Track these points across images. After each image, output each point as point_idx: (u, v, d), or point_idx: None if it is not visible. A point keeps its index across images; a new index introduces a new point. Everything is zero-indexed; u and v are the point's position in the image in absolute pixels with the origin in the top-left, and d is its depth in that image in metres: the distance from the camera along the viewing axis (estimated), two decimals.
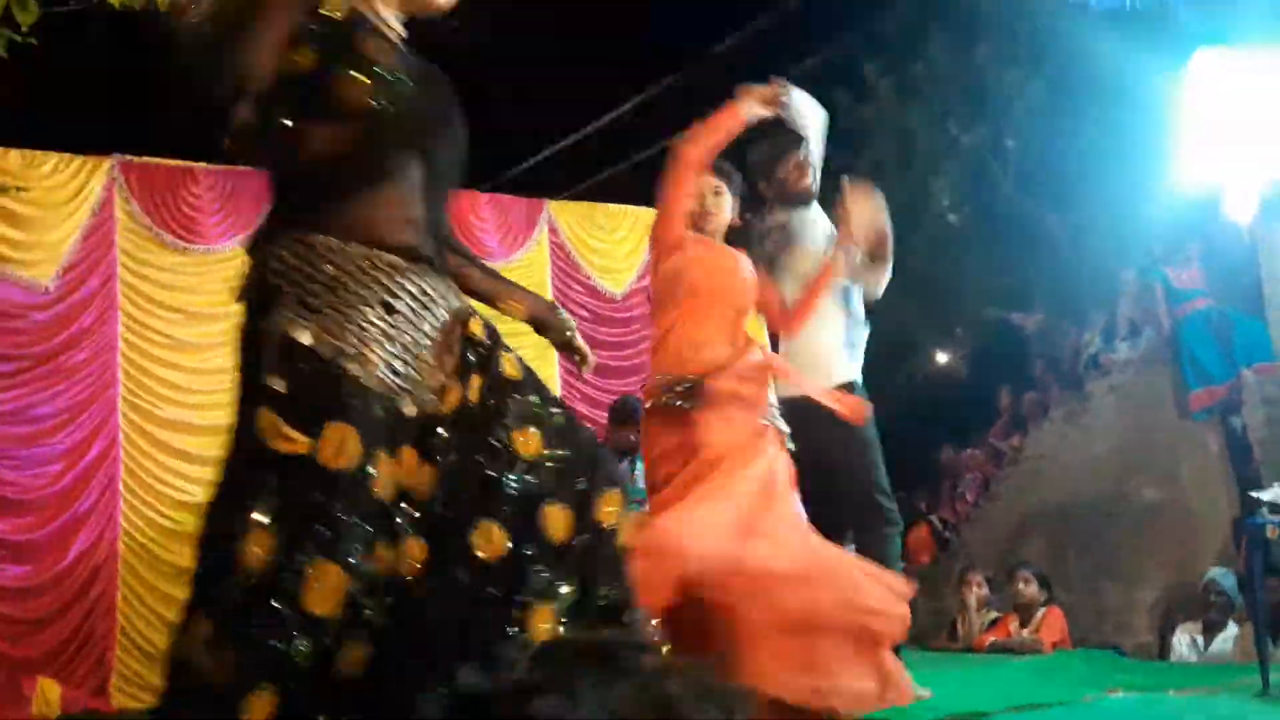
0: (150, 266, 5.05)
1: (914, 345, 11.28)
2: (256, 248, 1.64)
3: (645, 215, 6.60)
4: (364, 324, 1.59)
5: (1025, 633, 5.07)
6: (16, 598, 4.62)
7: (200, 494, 4.88)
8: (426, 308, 1.66)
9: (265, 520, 1.51)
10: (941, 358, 12.06)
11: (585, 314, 5.89)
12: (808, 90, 3.32)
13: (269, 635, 1.47)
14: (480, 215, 5.86)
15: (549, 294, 5.62)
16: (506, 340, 1.80)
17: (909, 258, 10.30)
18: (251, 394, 1.58)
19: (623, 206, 6.48)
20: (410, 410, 1.63)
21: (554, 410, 1.76)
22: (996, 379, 9.46)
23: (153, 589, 4.80)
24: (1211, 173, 5.02)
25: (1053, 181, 8.80)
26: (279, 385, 1.56)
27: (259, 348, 1.58)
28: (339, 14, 1.63)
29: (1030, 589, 5.23)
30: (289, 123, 1.60)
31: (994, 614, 5.41)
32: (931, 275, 10.11)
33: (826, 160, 3.61)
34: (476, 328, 1.75)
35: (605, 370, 5.58)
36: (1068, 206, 8.91)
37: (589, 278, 6.18)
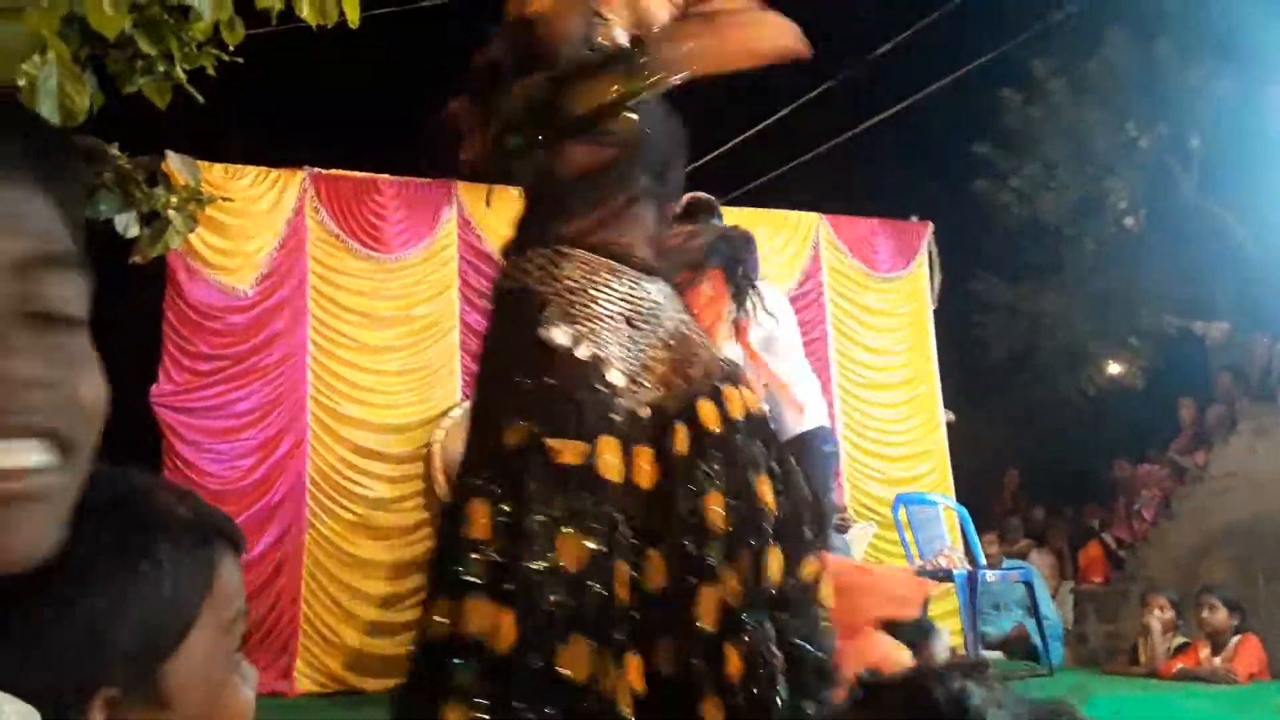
0: (337, 273, 5.32)
1: (1085, 355, 10.78)
2: (512, 258, 1.77)
3: (806, 219, 6.54)
4: (610, 334, 1.71)
5: (1218, 661, 4.77)
6: None
7: (378, 489, 5.13)
8: (658, 319, 1.78)
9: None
10: (1115, 369, 11.49)
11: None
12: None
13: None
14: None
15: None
16: None
17: (1081, 264, 9.90)
18: (507, 396, 1.68)
19: (784, 212, 6.41)
20: (644, 413, 1.74)
21: (782, 458, 1.83)
22: (1176, 391, 8.94)
23: (334, 579, 5.04)
24: None
25: (1240, 182, 8.27)
26: (538, 389, 1.65)
27: (517, 352, 1.69)
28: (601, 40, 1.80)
29: (1219, 615, 4.92)
30: (553, 144, 1.75)
31: (1181, 639, 5.10)
32: (1105, 282, 9.65)
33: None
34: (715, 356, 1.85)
35: None
36: (1256, 208, 8.35)
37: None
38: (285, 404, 5.11)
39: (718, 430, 1.76)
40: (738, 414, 1.79)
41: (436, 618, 1.60)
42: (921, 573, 5.25)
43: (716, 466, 1.73)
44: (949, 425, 6.75)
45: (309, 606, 4.99)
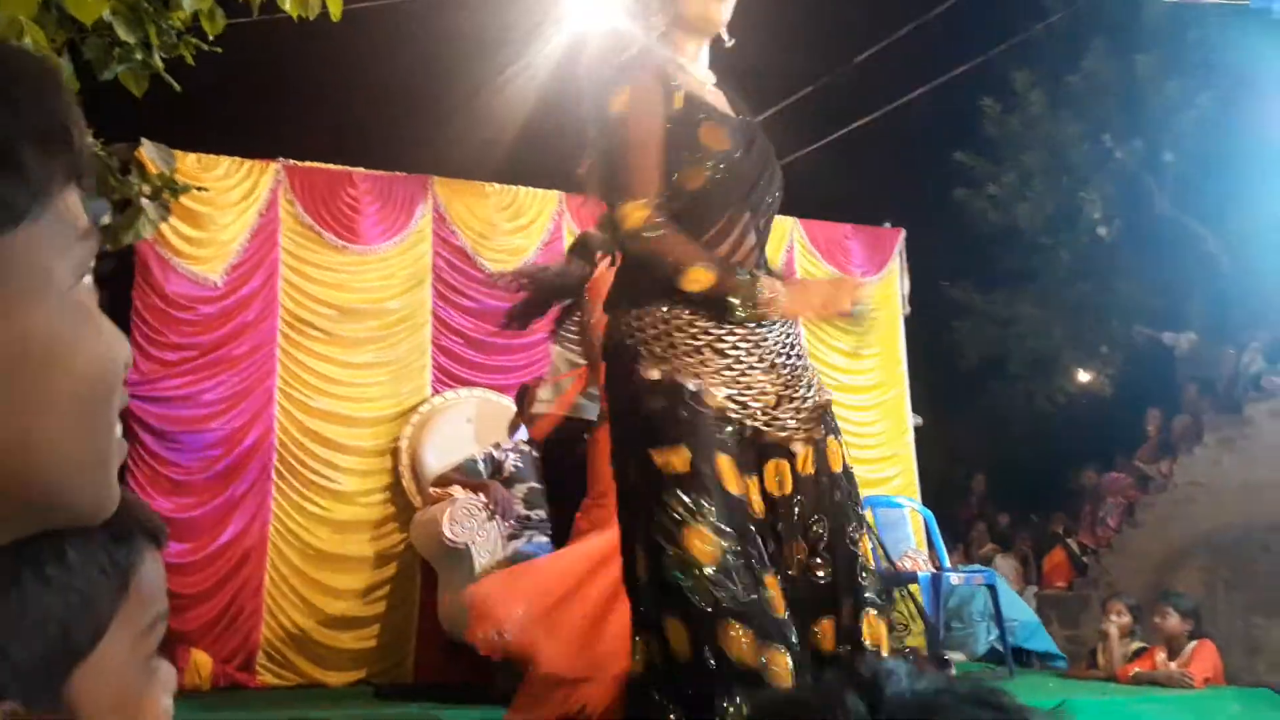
0: (309, 264, 5.28)
1: (1056, 363, 10.90)
2: (614, 315, 1.98)
3: (780, 223, 6.55)
4: (701, 363, 1.87)
5: (1174, 665, 4.84)
6: (176, 573, 4.88)
7: (345, 482, 5.11)
8: (755, 342, 1.92)
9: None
10: (1085, 377, 11.63)
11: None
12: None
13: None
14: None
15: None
16: None
17: (1054, 273, 10.01)
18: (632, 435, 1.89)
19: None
20: (757, 429, 1.89)
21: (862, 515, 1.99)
22: (1144, 400, 9.06)
23: (298, 571, 5.01)
24: None
25: (1213, 196, 8.39)
26: (643, 415, 1.85)
27: (629, 393, 1.90)
28: (680, 106, 1.93)
29: (1173, 621, 4.99)
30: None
31: (1139, 644, 5.17)
32: (1076, 291, 9.76)
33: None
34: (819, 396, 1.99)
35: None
36: (1228, 223, 8.47)
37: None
38: (253, 395, 5.06)
39: (811, 474, 1.91)
40: (836, 466, 1.94)
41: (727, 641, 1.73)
42: (886, 575, 5.29)
43: (800, 514, 1.89)
44: (917, 429, 6.80)
45: (271, 599, 4.95)
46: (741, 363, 1.88)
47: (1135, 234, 9.20)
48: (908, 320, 6.82)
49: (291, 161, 5.36)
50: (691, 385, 1.82)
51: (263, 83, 6.44)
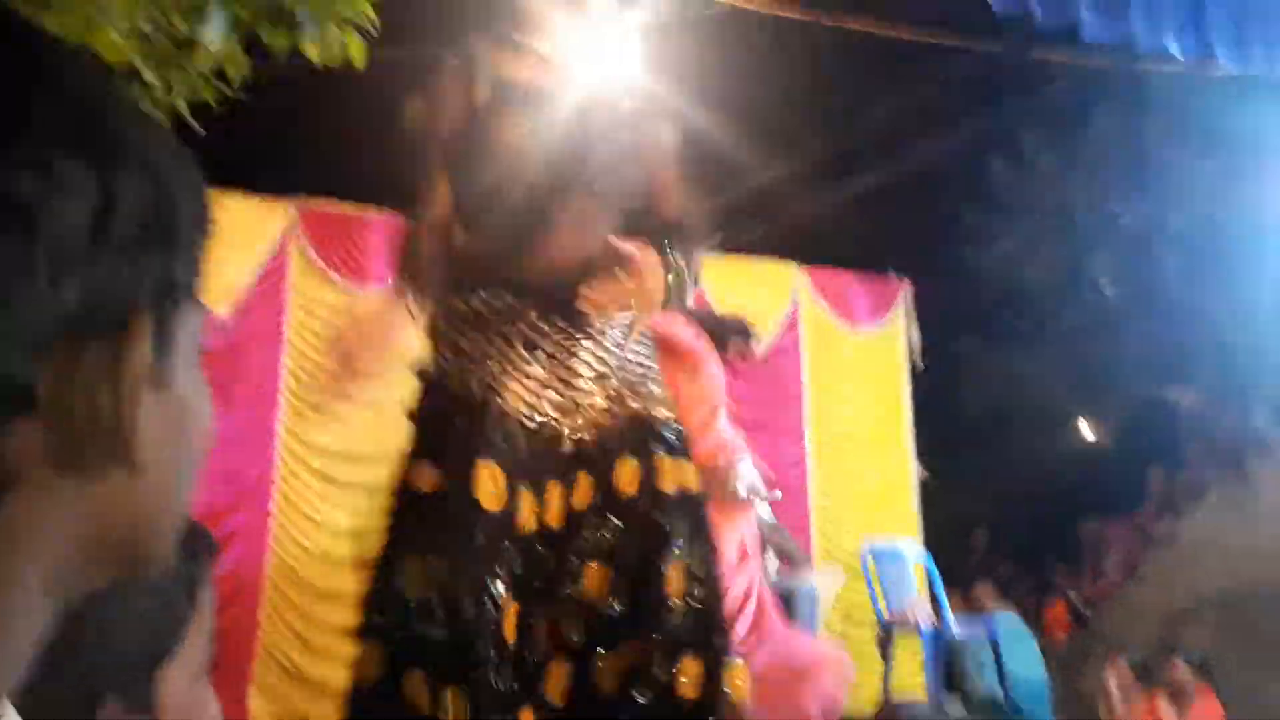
0: (319, 304, 5.31)
1: (1060, 418, 10.92)
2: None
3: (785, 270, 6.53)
4: (503, 363, 1.74)
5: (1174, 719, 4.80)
6: None
7: (345, 519, 5.09)
8: (580, 351, 1.79)
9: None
10: (1089, 432, 11.62)
11: None
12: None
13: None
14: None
15: None
16: None
17: (1060, 330, 10.04)
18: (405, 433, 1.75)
19: (764, 261, 6.42)
20: (565, 448, 1.73)
21: (705, 548, 1.76)
22: (1147, 456, 9.03)
23: (294, 607, 4.98)
24: None
25: (1220, 259, 8.45)
26: (415, 417, 1.75)
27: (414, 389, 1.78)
28: (485, 97, 1.86)
29: (1181, 675, 4.95)
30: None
31: (1138, 698, 5.13)
32: (1083, 349, 9.79)
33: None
34: (658, 412, 1.81)
35: None
36: (1235, 285, 8.53)
37: None
38: (256, 431, 5.07)
39: (632, 495, 1.71)
40: (667, 487, 1.73)
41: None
42: (888, 625, 5.26)
43: (607, 535, 1.69)
44: (921, 482, 6.79)
45: (266, 634, 4.93)
46: (551, 364, 1.76)
47: (1142, 294, 9.25)
48: (914, 373, 6.82)
49: (305, 201, 5.41)
50: (475, 387, 1.72)
51: (280, 121, 6.50)
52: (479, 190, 1.80)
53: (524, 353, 1.74)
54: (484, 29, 1.90)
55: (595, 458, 1.74)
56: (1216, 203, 8.18)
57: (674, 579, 1.67)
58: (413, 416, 1.80)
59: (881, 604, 5.42)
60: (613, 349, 1.81)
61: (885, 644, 5.21)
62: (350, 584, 5.34)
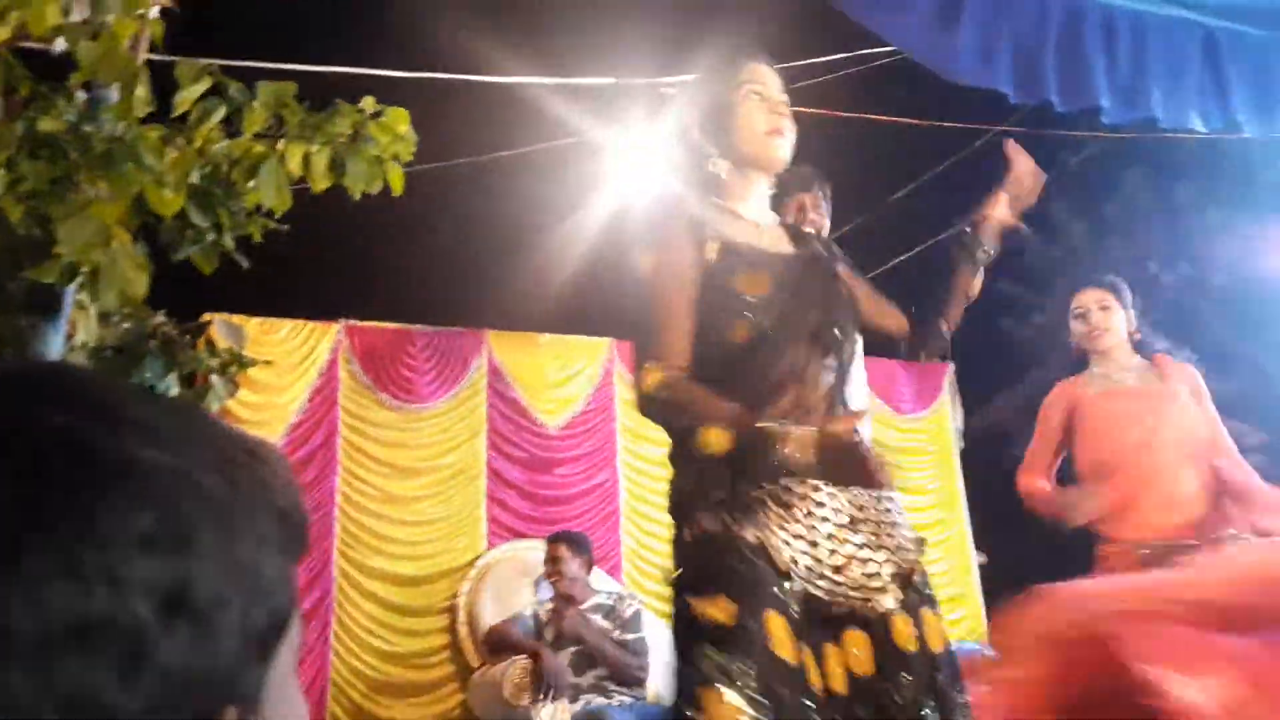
0: (368, 423, 5.35)
1: None
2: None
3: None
4: (774, 522, 1.69)
5: None
6: None
7: (402, 644, 5.03)
8: (824, 508, 1.72)
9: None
10: None
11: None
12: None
13: None
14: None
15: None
16: None
17: None
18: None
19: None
20: (825, 600, 1.67)
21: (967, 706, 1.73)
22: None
23: None
24: None
25: (1264, 313, 8.36)
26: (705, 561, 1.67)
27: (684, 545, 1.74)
28: (714, 258, 1.82)
29: None
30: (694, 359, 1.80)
31: None
32: None
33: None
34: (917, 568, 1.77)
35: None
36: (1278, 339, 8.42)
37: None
38: (312, 557, 5.07)
39: (914, 652, 1.68)
40: (935, 645, 1.70)
41: None
42: None
43: (911, 695, 1.65)
44: (981, 567, 6.62)
45: None
46: (811, 515, 1.69)
47: (1190, 354, 9.13)
48: (963, 453, 6.72)
49: (352, 321, 5.50)
50: (751, 537, 1.65)
51: (324, 245, 6.68)
52: (739, 344, 1.78)
53: (785, 511, 1.70)
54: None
55: (870, 619, 1.68)
56: (1252, 261, 8.14)
57: None
58: (684, 548, 1.71)
59: None
60: (879, 500, 1.78)
61: None
62: (410, 711, 5.27)
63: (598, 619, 4.30)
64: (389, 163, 3.24)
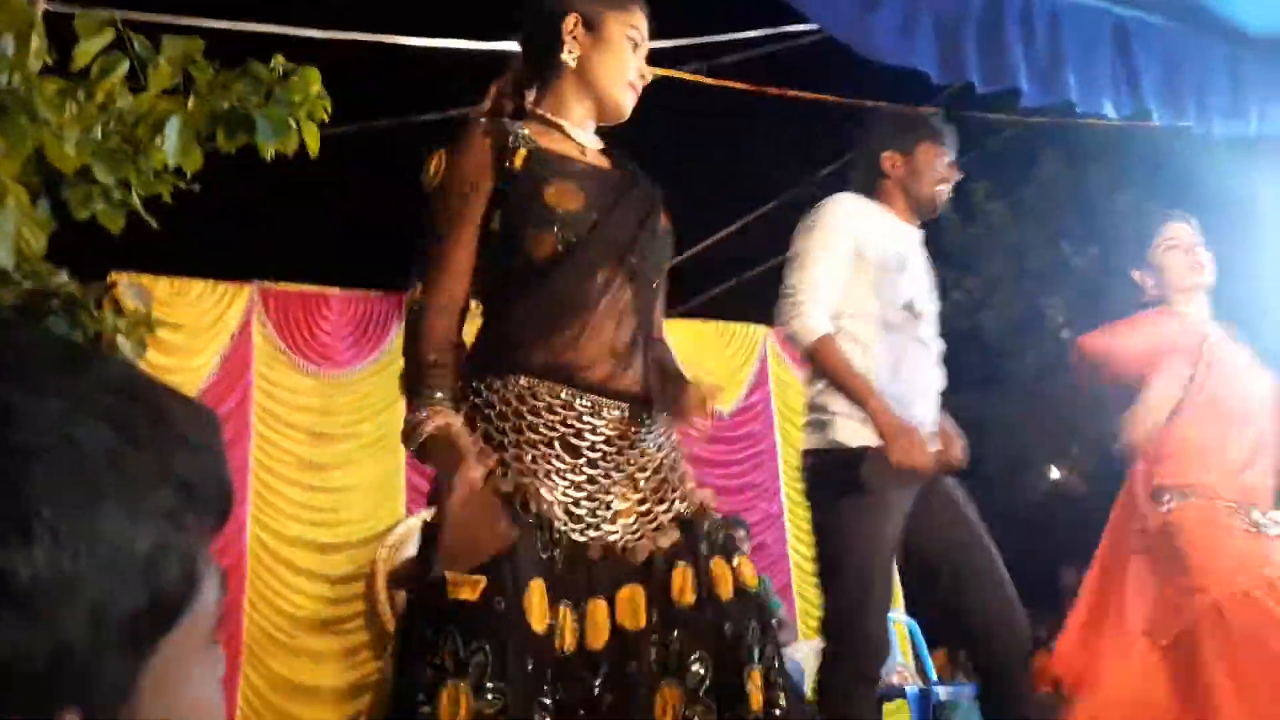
0: (282, 388, 5.27)
1: (1029, 464, 10.99)
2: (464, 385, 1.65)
3: (753, 332, 6.63)
4: (543, 462, 1.57)
5: None
6: None
7: (319, 611, 5.00)
8: (626, 448, 1.63)
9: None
10: (1056, 475, 11.69)
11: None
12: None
13: None
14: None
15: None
16: None
17: (1021, 375, 10.17)
18: (429, 537, 1.56)
19: (732, 324, 6.49)
20: (595, 555, 1.57)
21: (781, 660, 1.64)
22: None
23: (272, 707, 4.86)
24: None
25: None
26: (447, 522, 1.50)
27: (441, 488, 1.55)
28: (519, 165, 1.66)
29: None
30: (490, 272, 1.67)
31: None
32: (1045, 392, 9.89)
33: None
34: (707, 507, 1.68)
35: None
36: None
37: None
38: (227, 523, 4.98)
39: (688, 605, 1.57)
40: (724, 593, 1.59)
41: None
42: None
43: (679, 648, 1.54)
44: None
45: None
46: (595, 466, 1.60)
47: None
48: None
49: (266, 284, 5.39)
50: (510, 488, 1.53)
51: (240, 206, 6.51)
52: (514, 265, 1.63)
53: (565, 454, 1.59)
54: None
55: (647, 569, 1.59)
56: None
57: (754, 689, 1.56)
58: (438, 510, 1.54)
59: None
60: (663, 445, 1.68)
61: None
62: (326, 679, 5.24)
63: None
64: (305, 123, 3.18)
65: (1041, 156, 9.13)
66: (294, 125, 3.10)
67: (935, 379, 2.82)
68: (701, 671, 1.54)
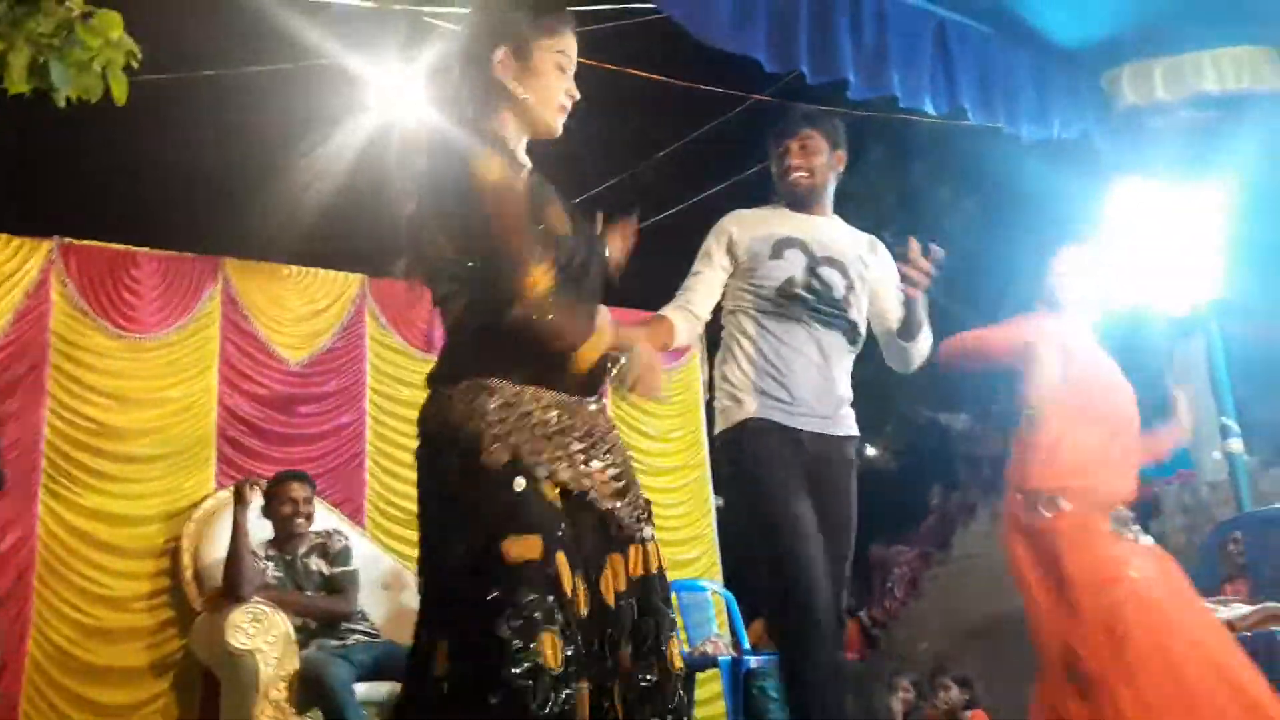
0: (84, 350, 4.94)
1: None
2: (441, 389, 1.77)
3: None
4: (545, 448, 1.73)
5: None
6: None
7: (117, 588, 4.72)
8: (593, 434, 1.81)
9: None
10: (871, 453, 12.28)
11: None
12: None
13: None
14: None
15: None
16: None
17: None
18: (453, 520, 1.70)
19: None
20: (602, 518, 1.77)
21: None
22: (928, 477, 9.63)
23: (61, 689, 4.58)
24: (1131, 293, 5.25)
25: (981, 292, 9.17)
26: (484, 504, 1.68)
27: (460, 480, 1.70)
28: (524, 187, 1.80)
29: (952, 694, 5.27)
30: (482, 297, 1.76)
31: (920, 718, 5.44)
32: (861, 372, 10.37)
33: None
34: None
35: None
36: (995, 315, 9.27)
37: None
38: (13, 493, 4.63)
39: (643, 576, 1.81)
40: (655, 568, 1.84)
41: None
42: (688, 659, 5.34)
43: (632, 617, 1.77)
44: (718, 510, 6.97)
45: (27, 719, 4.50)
46: (585, 452, 1.78)
47: None
48: (707, 404, 7.02)
49: (68, 240, 5.04)
50: (541, 471, 1.70)
51: (39, 156, 6.05)
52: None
53: (559, 435, 1.76)
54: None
55: (618, 542, 1.80)
56: (974, 237, 8.89)
57: (673, 652, 1.81)
58: (449, 480, 1.71)
59: (683, 637, 5.51)
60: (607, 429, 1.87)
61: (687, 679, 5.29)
62: (125, 658, 4.96)
63: (314, 559, 4.35)
64: (113, 70, 2.98)
65: (868, 150, 9.51)
66: (99, 71, 2.91)
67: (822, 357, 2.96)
68: (645, 633, 1.78)
